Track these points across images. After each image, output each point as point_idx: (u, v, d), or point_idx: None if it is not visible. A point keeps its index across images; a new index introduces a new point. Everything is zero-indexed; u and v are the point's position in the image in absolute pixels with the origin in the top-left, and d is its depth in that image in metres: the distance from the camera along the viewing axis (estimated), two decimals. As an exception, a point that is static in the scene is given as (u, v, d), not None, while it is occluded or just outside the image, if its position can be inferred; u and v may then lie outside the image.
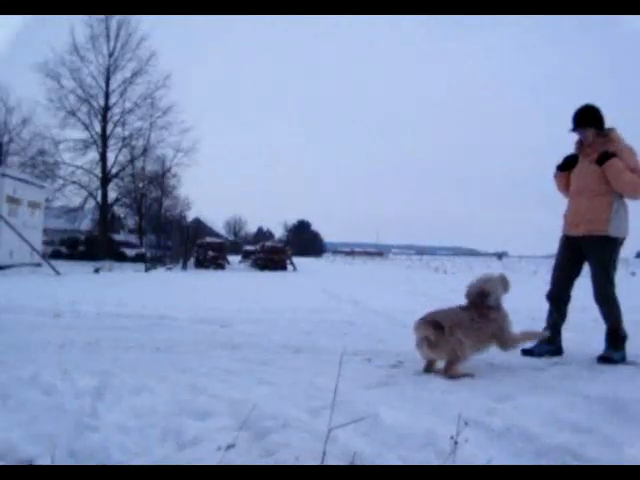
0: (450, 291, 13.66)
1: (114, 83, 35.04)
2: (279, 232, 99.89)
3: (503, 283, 4.97)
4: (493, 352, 5.76)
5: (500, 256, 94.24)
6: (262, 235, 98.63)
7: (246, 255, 39.62)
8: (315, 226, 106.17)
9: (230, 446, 2.65)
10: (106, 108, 34.77)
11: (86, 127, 34.80)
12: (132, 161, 37.98)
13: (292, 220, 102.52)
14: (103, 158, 34.93)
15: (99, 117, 34.94)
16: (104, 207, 35.40)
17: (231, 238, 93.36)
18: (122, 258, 34.34)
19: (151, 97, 35.60)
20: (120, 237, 41.56)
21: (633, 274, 29.18)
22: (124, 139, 36.20)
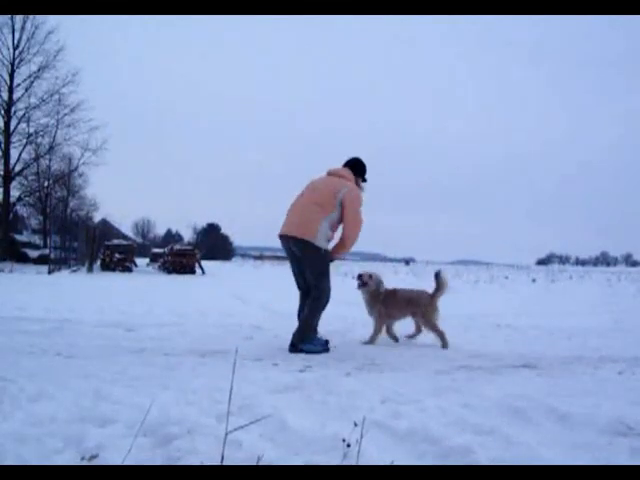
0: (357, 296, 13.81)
1: (19, 77, 33.74)
2: (188, 235, 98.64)
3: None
4: (402, 355, 5.89)
5: (407, 262, 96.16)
6: (171, 237, 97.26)
7: (154, 258, 39.00)
8: (225, 229, 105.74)
9: (93, 456, 2.60)
10: (10, 102, 33.40)
11: (-13, 122, 33.42)
12: (37, 159, 36.79)
13: (202, 223, 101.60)
14: (6, 155, 33.53)
15: (2, 112, 33.57)
16: (6, 206, 33.99)
17: (139, 240, 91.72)
18: (24, 259, 33.18)
19: (58, 93, 34.52)
20: (23, 238, 40.16)
21: (534, 280, 30.39)
22: (29, 136, 34.93)
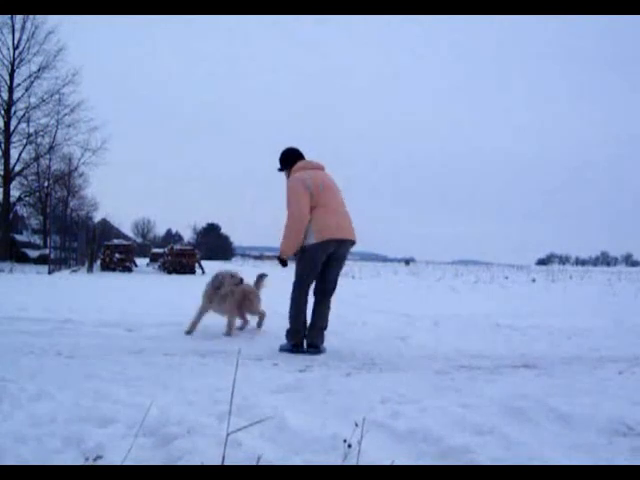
0: (357, 296, 13.80)
1: (19, 77, 33.68)
2: (188, 235, 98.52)
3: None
4: (402, 355, 5.89)
5: (407, 262, 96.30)
6: (171, 237, 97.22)
7: (154, 258, 38.95)
8: (225, 229, 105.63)
9: (98, 457, 2.59)
10: (10, 103, 33.36)
11: (-13, 122, 33.38)
12: (37, 159, 36.73)
13: (202, 223, 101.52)
14: (6, 155, 33.50)
15: (2, 112, 33.53)
16: (6, 206, 33.96)
17: (139, 240, 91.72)
18: (24, 259, 33.14)
19: (58, 93, 34.48)
20: (23, 238, 40.12)
21: (534, 280, 30.39)
22: (29, 136, 34.86)
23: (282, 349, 6.12)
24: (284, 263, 6.45)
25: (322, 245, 6.08)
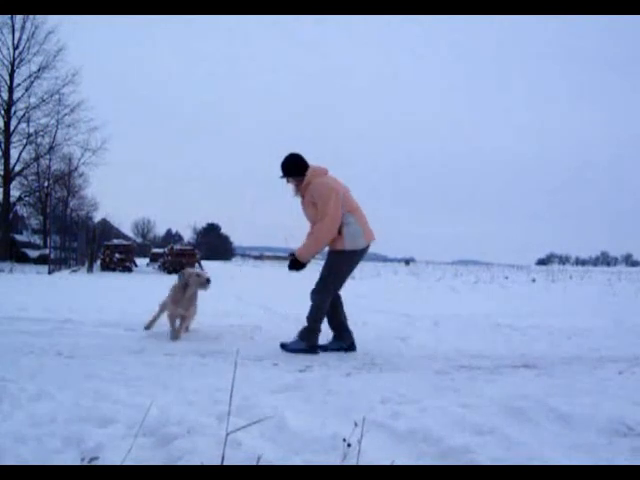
0: (357, 296, 13.79)
1: (19, 77, 33.66)
2: (188, 235, 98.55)
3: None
4: (402, 355, 5.89)
5: (407, 262, 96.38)
6: (171, 237, 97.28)
7: (154, 258, 38.97)
8: (225, 229, 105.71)
9: (93, 458, 2.59)
10: (10, 102, 33.35)
11: (-13, 122, 33.36)
12: (37, 159, 36.72)
13: (202, 223, 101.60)
14: (6, 155, 33.49)
15: (2, 112, 33.52)
16: (6, 206, 33.95)
17: (139, 240, 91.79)
18: (24, 259, 33.13)
19: (58, 93, 34.46)
20: (23, 238, 40.12)
21: (534, 280, 30.40)
22: (29, 136, 34.85)
23: (292, 349, 6.01)
24: (300, 267, 6.28)
25: (366, 249, 6.25)
